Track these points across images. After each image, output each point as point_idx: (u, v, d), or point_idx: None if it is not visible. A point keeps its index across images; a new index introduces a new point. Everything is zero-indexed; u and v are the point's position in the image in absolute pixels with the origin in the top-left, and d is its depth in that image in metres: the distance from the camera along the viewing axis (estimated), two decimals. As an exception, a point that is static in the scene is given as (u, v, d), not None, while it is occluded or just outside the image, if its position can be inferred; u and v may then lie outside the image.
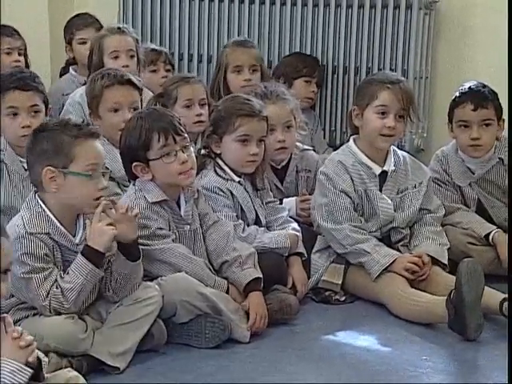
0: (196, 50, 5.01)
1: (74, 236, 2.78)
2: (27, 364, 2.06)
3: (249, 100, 3.39)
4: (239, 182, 3.37)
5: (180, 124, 3.05)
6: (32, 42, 4.83)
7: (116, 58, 4.12)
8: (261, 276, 3.10)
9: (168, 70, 4.46)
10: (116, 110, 3.52)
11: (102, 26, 4.74)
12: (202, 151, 3.40)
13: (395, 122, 3.39)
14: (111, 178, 3.25)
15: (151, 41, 5.07)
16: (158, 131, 2.98)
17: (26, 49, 4.53)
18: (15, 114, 3.30)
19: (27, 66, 4.46)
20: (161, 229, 3.01)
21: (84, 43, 4.70)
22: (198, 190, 3.19)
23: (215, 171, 3.34)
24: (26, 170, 3.28)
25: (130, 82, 3.57)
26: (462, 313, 2.95)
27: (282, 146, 3.64)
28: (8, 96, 3.30)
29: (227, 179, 3.34)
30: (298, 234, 3.40)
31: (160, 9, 5.06)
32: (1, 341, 2.03)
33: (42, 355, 2.13)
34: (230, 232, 3.17)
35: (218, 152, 3.36)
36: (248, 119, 3.31)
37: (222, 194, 3.31)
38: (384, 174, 3.48)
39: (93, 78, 3.63)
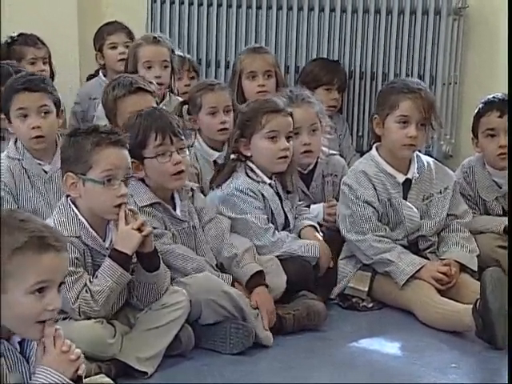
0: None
1: (104, 240, 2.81)
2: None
3: (271, 99, 3.43)
4: (270, 184, 3.38)
5: (179, 126, 3.08)
6: (61, 52, 4.90)
7: (149, 67, 4.14)
8: (261, 269, 3.09)
9: (192, 78, 4.50)
10: None
11: (131, 33, 4.80)
12: (232, 156, 3.41)
13: (417, 132, 3.36)
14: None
15: (179, 48, 5.11)
16: (156, 130, 3.01)
17: (50, 57, 4.56)
18: (25, 116, 3.29)
19: (52, 74, 4.49)
20: (154, 228, 2.97)
21: (115, 48, 4.74)
22: (192, 188, 3.20)
23: (246, 174, 3.36)
24: (45, 172, 3.32)
25: (140, 89, 3.57)
26: (490, 322, 2.93)
27: (308, 150, 3.64)
28: (17, 98, 3.30)
29: (258, 181, 3.36)
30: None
31: (188, 17, 5.08)
32: (48, 352, 2.03)
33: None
34: (225, 228, 3.19)
35: (249, 154, 3.38)
36: (274, 115, 3.34)
37: (253, 195, 3.32)
38: (408, 181, 3.46)
39: (105, 91, 3.64)
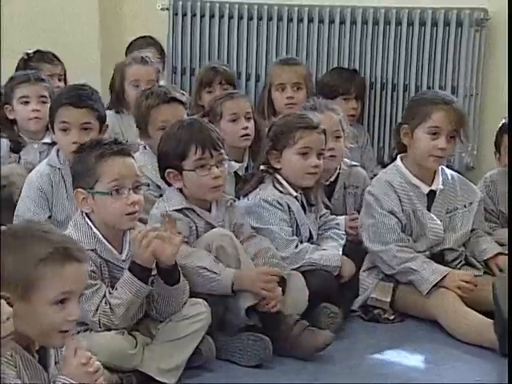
0: (244, 68, 5.03)
1: (120, 253, 2.80)
2: None
3: (306, 114, 3.43)
4: (296, 197, 3.38)
5: (219, 139, 3.08)
6: (83, 67, 4.93)
7: (137, 86, 4.20)
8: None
9: (225, 90, 4.45)
10: (164, 128, 3.55)
11: (162, 48, 4.86)
12: (262, 167, 3.42)
13: (446, 143, 3.35)
14: (160, 195, 3.29)
15: (200, 61, 5.13)
16: (196, 143, 3.02)
17: (65, 74, 4.59)
18: (66, 130, 3.33)
19: None
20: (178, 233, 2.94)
21: None
22: (232, 201, 3.20)
23: (273, 185, 3.36)
24: None
25: (174, 99, 3.60)
26: (504, 331, 2.89)
27: (332, 155, 3.63)
28: (61, 111, 3.33)
29: (285, 193, 3.36)
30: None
31: (209, 29, 5.10)
32: (68, 363, 2.04)
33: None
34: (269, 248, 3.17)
35: (278, 167, 3.38)
36: (308, 132, 3.34)
37: (279, 207, 3.32)
38: (432, 193, 3.44)
39: (138, 99, 3.67)
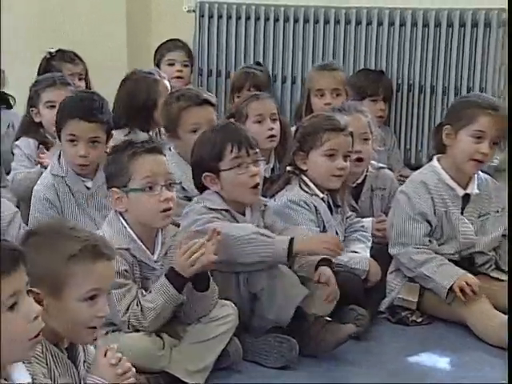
0: (270, 70, 5.04)
1: (152, 253, 2.82)
2: None
3: (333, 116, 3.42)
4: (322, 198, 3.37)
5: (253, 139, 3.08)
6: (110, 69, 4.95)
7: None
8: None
9: None
10: (195, 131, 3.56)
11: (191, 51, 4.88)
12: (288, 168, 3.41)
13: (489, 149, 3.32)
14: (188, 198, 3.29)
15: (226, 63, 5.14)
16: (232, 142, 3.02)
17: (87, 73, 4.60)
18: (73, 141, 3.30)
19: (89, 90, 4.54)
20: (215, 217, 2.99)
21: (172, 65, 4.83)
22: (265, 204, 3.20)
23: (300, 187, 3.35)
24: (88, 188, 3.35)
25: (206, 102, 3.60)
26: None
27: (359, 157, 3.62)
28: (70, 123, 3.30)
29: (312, 194, 3.35)
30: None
31: (235, 31, 5.11)
32: (98, 363, 2.06)
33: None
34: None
35: (305, 168, 3.37)
36: (335, 134, 3.33)
37: (306, 207, 3.31)
38: (466, 196, 3.41)
39: (168, 101, 3.67)
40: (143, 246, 2.79)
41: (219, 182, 3.04)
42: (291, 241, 2.90)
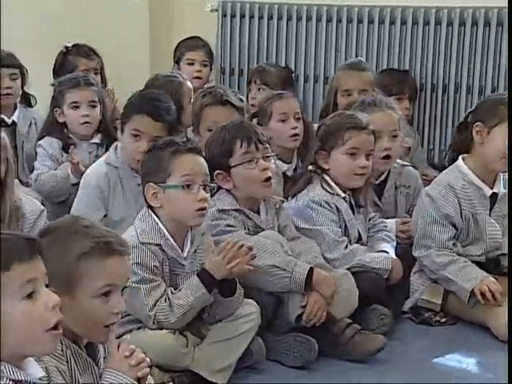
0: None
1: (182, 250, 2.82)
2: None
3: (355, 115, 3.41)
4: (344, 198, 3.36)
5: (263, 135, 3.09)
6: (133, 66, 4.97)
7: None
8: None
9: (264, 90, 4.46)
10: (211, 130, 3.56)
11: (211, 51, 4.87)
12: (310, 167, 3.41)
13: None
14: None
15: (248, 62, 5.14)
16: (241, 138, 3.03)
17: (102, 68, 4.60)
18: (136, 136, 3.33)
19: (105, 85, 4.55)
20: (229, 225, 3.01)
21: (192, 64, 4.81)
22: (279, 202, 3.19)
23: (321, 186, 3.34)
24: (138, 185, 3.35)
25: (228, 102, 3.60)
26: None
27: (388, 155, 3.60)
28: (136, 118, 3.34)
29: (333, 194, 3.34)
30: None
31: (257, 30, 5.11)
32: (111, 356, 2.06)
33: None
34: (316, 252, 3.16)
35: (326, 168, 3.36)
36: (356, 132, 3.32)
37: (328, 207, 3.30)
38: (494, 196, 3.38)
39: (197, 96, 3.69)
40: (174, 243, 2.80)
41: (231, 180, 3.06)
42: (310, 271, 2.94)
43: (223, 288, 2.77)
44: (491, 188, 3.38)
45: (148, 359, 2.09)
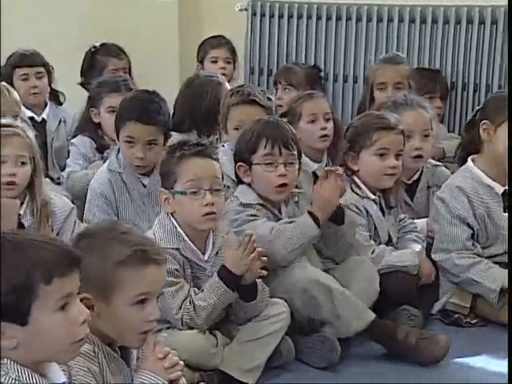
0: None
1: (203, 253, 2.81)
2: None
3: (384, 115, 3.39)
4: (374, 200, 3.34)
5: (293, 140, 3.06)
6: (162, 66, 4.99)
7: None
8: None
9: (289, 90, 4.45)
10: (237, 129, 3.54)
11: (234, 49, 4.87)
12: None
13: None
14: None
15: (278, 62, 5.14)
16: (267, 138, 3.02)
17: (130, 67, 4.61)
18: (130, 143, 3.31)
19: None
20: (252, 215, 3.00)
21: (215, 62, 4.81)
22: (298, 194, 3.18)
23: (351, 188, 3.33)
24: (144, 186, 3.36)
25: (254, 102, 3.58)
26: None
27: (419, 154, 3.58)
28: (128, 125, 3.31)
29: (363, 197, 3.32)
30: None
31: (287, 29, 5.10)
32: (146, 358, 2.07)
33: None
34: None
35: (355, 169, 3.35)
36: (385, 132, 3.30)
37: (357, 211, 3.28)
38: (506, 193, 3.34)
39: (226, 95, 3.69)
40: (193, 246, 2.79)
41: (251, 175, 3.05)
42: (310, 214, 2.94)
43: (244, 293, 2.75)
44: (503, 185, 3.34)
45: (181, 362, 2.09)
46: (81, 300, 1.92)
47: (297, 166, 3.10)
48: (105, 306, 1.99)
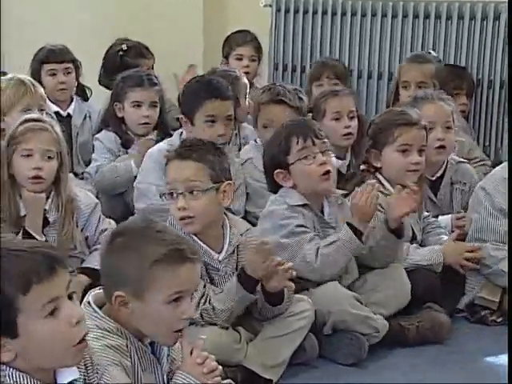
0: (347, 64, 5.00)
1: (219, 252, 2.78)
2: None
3: (405, 110, 3.37)
4: (397, 197, 3.33)
5: (320, 130, 3.06)
6: (186, 62, 4.98)
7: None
8: None
9: (335, 85, 4.37)
10: (266, 127, 3.55)
11: (260, 46, 4.85)
12: (362, 166, 3.38)
13: None
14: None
15: (302, 58, 5.12)
16: (297, 134, 3.01)
17: (152, 66, 4.60)
18: (212, 121, 3.38)
19: None
20: (300, 226, 2.99)
21: (240, 59, 4.80)
22: (341, 197, 3.17)
23: None
24: None
25: (284, 102, 3.56)
26: None
27: (441, 145, 3.56)
28: (207, 104, 3.38)
29: (386, 194, 3.31)
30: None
31: (311, 25, 5.09)
32: (184, 361, 2.06)
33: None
34: None
35: (378, 166, 3.33)
36: (407, 128, 3.28)
37: (381, 209, 3.26)
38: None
39: (257, 92, 3.71)
40: (206, 247, 2.76)
41: (291, 178, 3.03)
42: (349, 225, 2.94)
43: (270, 298, 2.73)
44: None
45: (220, 367, 2.08)
46: (115, 298, 1.95)
47: (332, 154, 3.09)
48: (139, 304, 1.99)
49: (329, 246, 2.94)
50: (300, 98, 3.67)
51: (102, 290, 2.07)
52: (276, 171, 3.04)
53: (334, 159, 3.58)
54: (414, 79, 4.24)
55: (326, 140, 3.06)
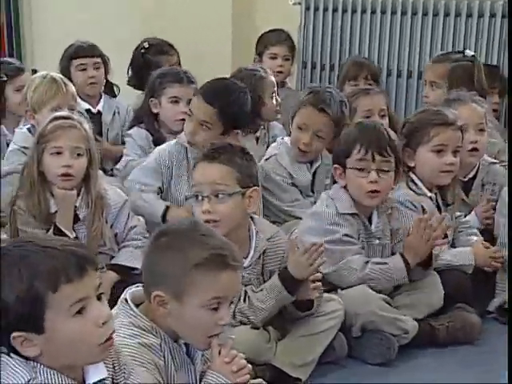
0: (376, 63, 4.97)
1: (245, 257, 2.74)
2: None
3: (441, 110, 3.34)
4: (430, 197, 3.30)
5: (391, 147, 2.99)
6: (214, 60, 4.98)
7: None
8: None
9: (371, 85, 4.34)
10: (301, 129, 3.54)
11: (294, 46, 4.82)
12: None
13: None
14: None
15: (330, 57, 5.10)
16: (361, 143, 2.97)
17: (179, 63, 4.58)
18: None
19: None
20: (347, 235, 2.98)
21: (274, 58, 4.78)
22: (392, 207, 3.14)
23: (407, 185, 3.29)
24: None
25: (323, 110, 3.50)
26: None
27: (474, 148, 3.54)
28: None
29: (419, 194, 3.28)
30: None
31: (341, 24, 5.07)
32: (213, 360, 2.06)
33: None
34: None
35: (412, 165, 3.31)
36: (443, 129, 3.26)
37: (412, 208, 3.24)
38: None
39: (303, 91, 3.71)
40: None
41: (345, 179, 3.03)
42: (403, 256, 2.95)
43: (299, 305, 2.73)
44: None
45: (250, 366, 2.07)
46: (154, 297, 1.95)
47: (392, 174, 3.02)
48: (178, 305, 1.98)
49: (377, 265, 2.96)
50: (342, 112, 3.58)
51: (140, 288, 2.07)
52: (335, 166, 3.06)
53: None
54: (427, 78, 4.23)
55: (389, 159, 2.99)
